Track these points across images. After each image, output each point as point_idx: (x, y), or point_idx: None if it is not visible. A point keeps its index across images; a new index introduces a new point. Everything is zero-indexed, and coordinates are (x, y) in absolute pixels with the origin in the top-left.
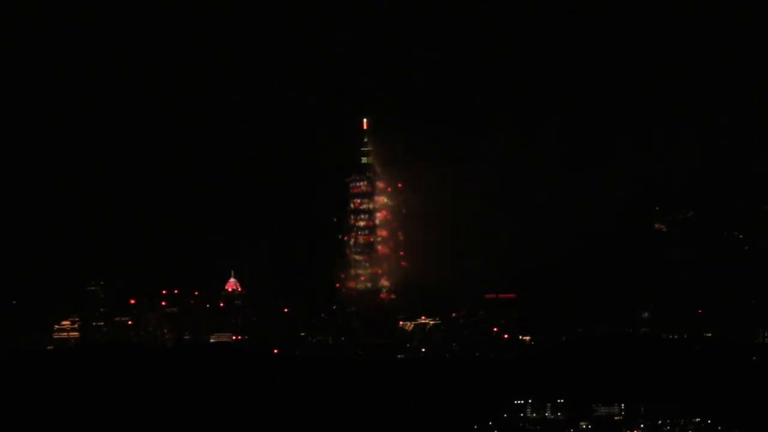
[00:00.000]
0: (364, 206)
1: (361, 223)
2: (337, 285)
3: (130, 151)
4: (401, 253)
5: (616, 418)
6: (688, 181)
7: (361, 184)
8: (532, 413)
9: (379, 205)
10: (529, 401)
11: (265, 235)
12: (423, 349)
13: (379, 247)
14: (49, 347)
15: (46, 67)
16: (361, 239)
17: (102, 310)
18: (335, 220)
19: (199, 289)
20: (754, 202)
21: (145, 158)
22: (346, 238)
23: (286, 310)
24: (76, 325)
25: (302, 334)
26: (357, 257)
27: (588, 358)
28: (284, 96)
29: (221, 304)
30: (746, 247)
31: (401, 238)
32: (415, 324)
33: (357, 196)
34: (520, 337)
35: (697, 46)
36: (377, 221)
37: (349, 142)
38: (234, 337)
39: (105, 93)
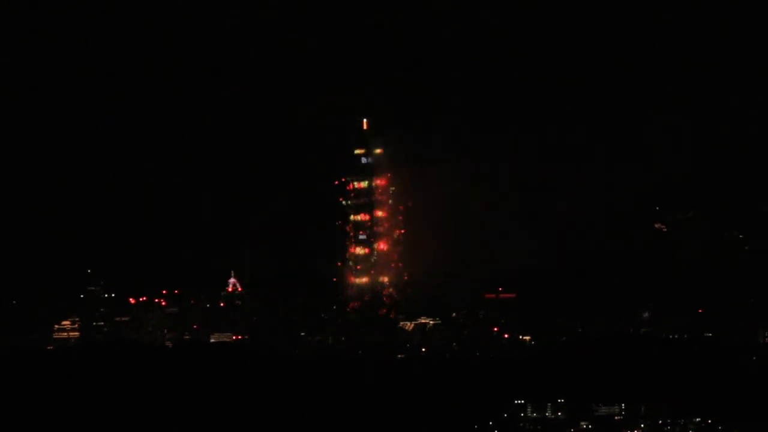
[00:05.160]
0: (364, 206)
1: (359, 218)
2: (335, 279)
3: (130, 152)
4: (401, 253)
5: (616, 417)
6: (688, 181)
7: (361, 183)
8: (532, 413)
9: (379, 204)
10: (530, 401)
11: (265, 234)
12: (423, 349)
13: (379, 247)
14: (49, 347)
15: (47, 66)
16: (360, 239)
17: (102, 310)
18: (339, 223)
19: (200, 288)
20: (754, 202)
21: (146, 158)
22: (346, 237)
23: (286, 310)
24: (76, 325)
25: (302, 333)
26: (357, 257)
27: (588, 358)
28: (284, 96)
29: (221, 304)
30: (746, 247)
31: (401, 237)
32: (415, 324)
33: (357, 195)
34: (521, 336)
35: (698, 46)
36: (377, 221)
37: (349, 142)
38: (234, 337)
39: (105, 93)
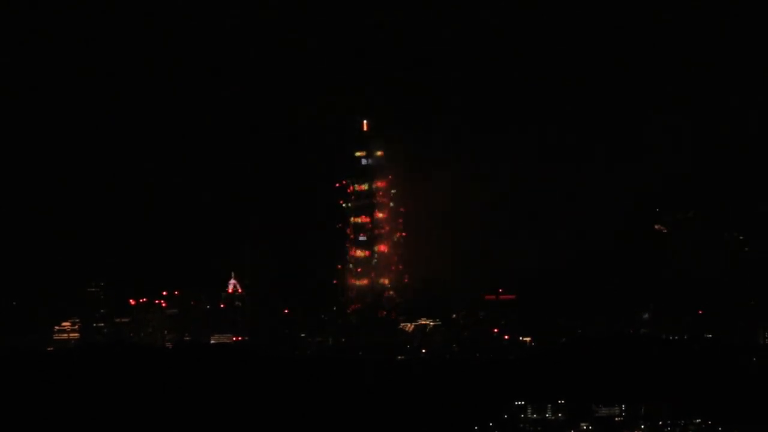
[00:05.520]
0: (365, 207)
1: (359, 221)
2: (335, 281)
3: (130, 152)
4: (401, 255)
5: (616, 418)
6: (688, 181)
7: (362, 186)
8: (532, 414)
9: (379, 206)
10: (530, 402)
11: (266, 235)
12: (423, 350)
13: (380, 249)
14: (49, 348)
15: (48, 66)
16: (360, 241)
17: (102, 311)
18: (339, 225)
19: (200, 290)
20: (754, 202)
21: (146, 159)
22: (346, 239)
23: (286, 311)
24: (76, 326)
25: (302, 335)
26: (357, 260)
27: (588, 359)
28: (284, 96)
29: (221, 305)
30: (746, 247)
31: (401, 240)
32: (415, 325)
33: (358, 197)
34: (521, 338)
35: (698, 46)
36: (378, 223)
37: (350, 143)
38: (234, 338)
39: (105, 93)
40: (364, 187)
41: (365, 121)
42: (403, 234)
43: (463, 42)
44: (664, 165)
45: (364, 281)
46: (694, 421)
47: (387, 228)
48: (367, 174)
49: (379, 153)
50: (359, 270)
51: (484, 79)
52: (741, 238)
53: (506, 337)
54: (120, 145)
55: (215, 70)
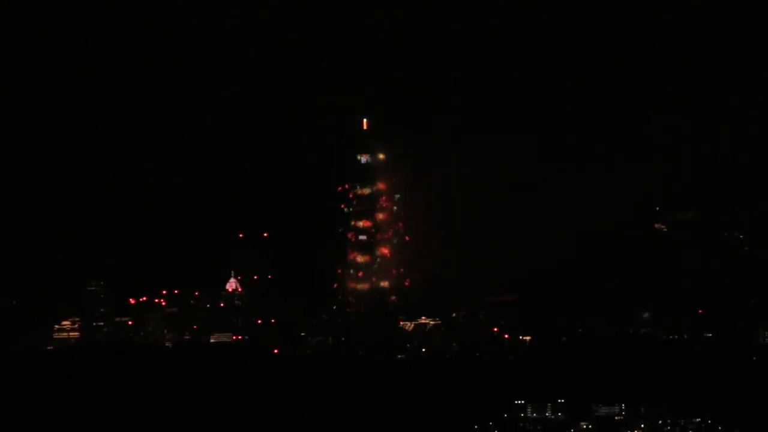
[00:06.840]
0: (364, 207)
1: (361, 224)
2: (336, 285)
3: (130, 152)
4: (402, 260)
5: (616, 418)
6: (689, 181)
7: (364, 190)
8: (532, 413)
9: (379, 206)
10: (530, 401)
11: (266, 235)
12: (423, 350)
13: (380, 248)
14: (49, 347)
15: (48, 66)
16: (361, 240)
17: (102, 310)
18: (341, 229)
19: (199, 289)
20: (754, 202)
21: (146, 158)
22: (347, 243)
23: (286, 310)
24: (76, 326)
25: (302, 334)
26: (357, 264)
27: (588, 358)
28: (284, 96)
29: (221, 305)
30: (746, 247)
31: (401, 239)
32: (415, 324)
33: (357, 196)
34: (521, 337)
35: (698, 46)
36: (377, 222)
37: (350, 144)
38: (234, 338)
39: (105, 93)
40: (366, 191)
41: (365, 120)
42: (406, 238)
43: (463, 42)
44: (664, 165)
45: (365, 285)
46: (694, 420)
47: (390, 232)
48: (368, 177)
49: (381, 155)
50: (360, 274)
51: (484, 79)
52: (741, 237)
53: (506, 336)
54: (120, 144)
55: (215, 70)
